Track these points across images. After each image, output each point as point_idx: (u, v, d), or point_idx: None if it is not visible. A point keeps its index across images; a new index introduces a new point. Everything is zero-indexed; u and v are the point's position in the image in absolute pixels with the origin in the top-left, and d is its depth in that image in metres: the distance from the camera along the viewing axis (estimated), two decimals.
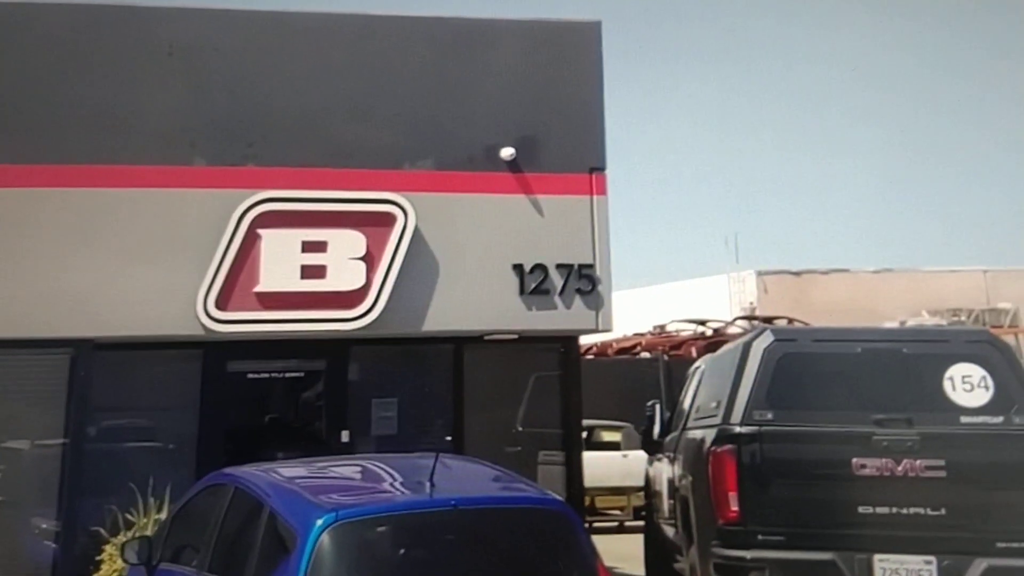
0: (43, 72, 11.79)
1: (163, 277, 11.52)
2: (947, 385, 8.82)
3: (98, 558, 10.82)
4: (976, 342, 9.18)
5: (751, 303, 32.76)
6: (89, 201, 11.61)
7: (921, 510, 8.47)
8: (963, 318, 29.63)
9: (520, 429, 13.36)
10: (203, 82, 12.23)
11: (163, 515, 10.40)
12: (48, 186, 11.51)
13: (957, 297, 32.21)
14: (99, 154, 11.68)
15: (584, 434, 14.69)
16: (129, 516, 10.97)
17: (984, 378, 8.81)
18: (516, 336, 12.79)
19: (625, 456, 17.32)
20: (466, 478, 6.76)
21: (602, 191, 13.02)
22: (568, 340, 13.30)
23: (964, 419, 8.70)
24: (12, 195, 11.43)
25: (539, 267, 12.59)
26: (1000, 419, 8.67)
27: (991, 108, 69.50)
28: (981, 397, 8.77)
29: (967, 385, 8.81)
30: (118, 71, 12.00)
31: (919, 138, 73.09)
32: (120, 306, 11.39)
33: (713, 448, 8.93)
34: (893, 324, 11.34)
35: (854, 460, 8.58)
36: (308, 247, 11.86)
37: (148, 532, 9.99)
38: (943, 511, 8.46)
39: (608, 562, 6.41)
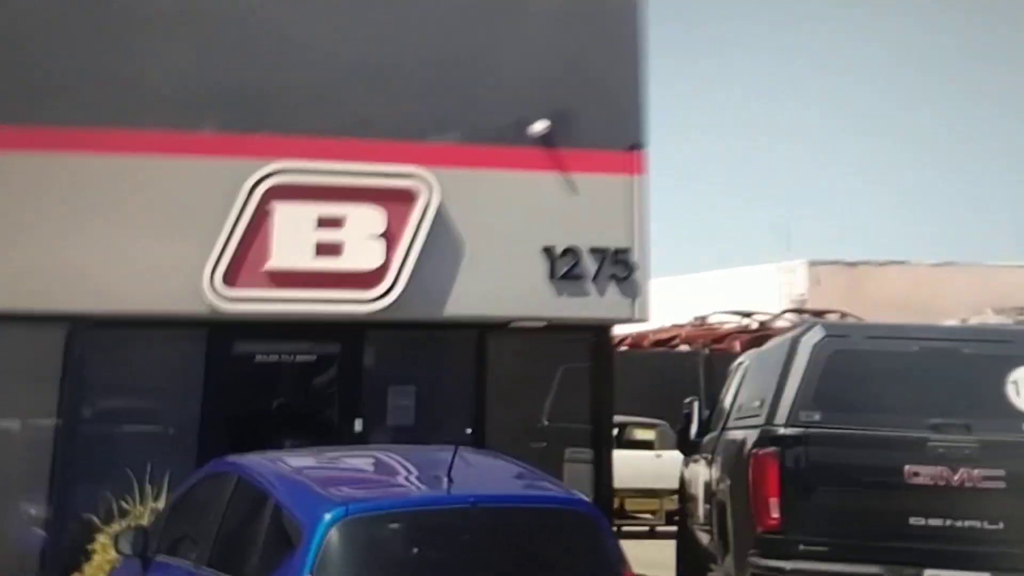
0: (41, 28, 11.78)
1: (167, 250, 11.52)
2: (1010, 389, 8.81)
3: (90, 547, 10.92)
4: None
5: (801, 295, 32.67)
6: (88, 167, 11.61)
7: (977, 523, 8.47)
8: None
9: (546, 424, 13.40)
10: (214, 42, 12.20)
11: (160, 504, 10.49)
12: (45, 150, 11.51)
13: None
14: (100, 117, 11.64)
15: (615, 431, 14.72)
16: (124, 504, 11.06)
17: None
18: (544, 324, 12.78)
19: (659, 456, 17.45)
20: (486, 474, 6.81)
21: (642, 170, 12.98)
22: (600, 330, 13.29)
23: None
24: (5, 159, 11.45)
25: (571, 250, 12.56)
26: None
27: None
28: None
29: None
30: (123, 28, 11.97)
31: (987, 122, 72.51)
32: (120, 280, 11.40)
33: (755, 450, 8.94)
34: (954, 322, 11.33)
35: (907, 467, 8.58)
36: (323, 223, 11.85)
37: (144, 521, 10.09)
38: (1001, 525, 8.46)
39: (637, 569, 6.44)
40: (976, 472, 8.55)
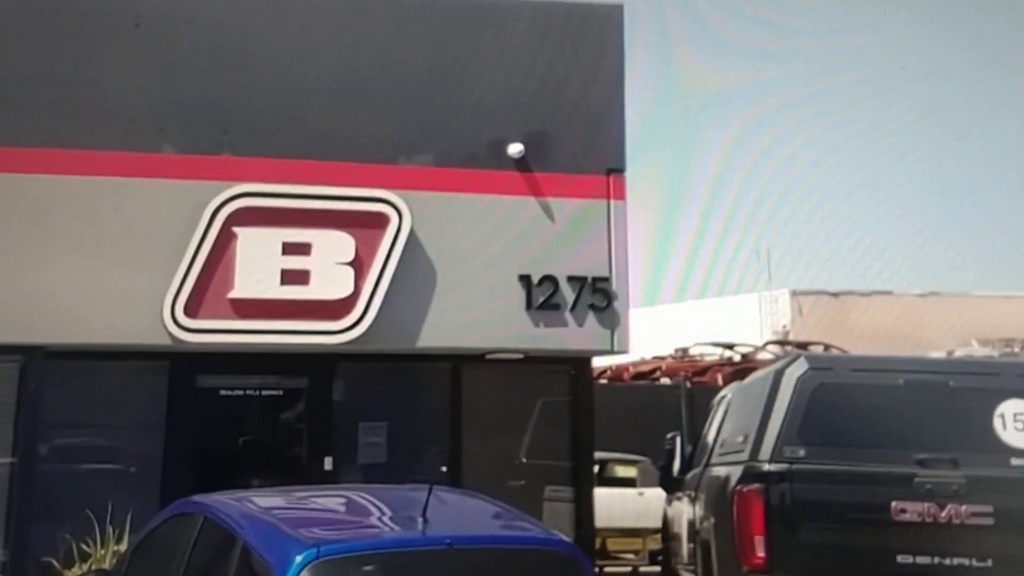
0: None
1: (125, 278, 11.47)
2: (997, 423, 8.90)
3: None
4: None
5: (784, 326, 32.77)
6: (43, 189, 11.55)
7: (966, 560, 8.54)
8: (1016, 349, 29.62)
9: (524, 461, 13.37)
10: (174, 59, 12.19)
11: (123, 546, 10.42)
12: None
13: (1011, 325, 32.16)
14: (55, 137, 11.62)
15: (596, 468, 14.71)
16: (85, 546, 10.97)
17: None
18: (521, 356, 12.82)
19: (641, 494, 17.38)
20: (463, 514, 6.79)
21: (620, 195, 13.05)
22: (580, 362, 13.31)
23: (1015, 461, 8.79)
24: None
25: (548, 279, 12.59)
26: None
27: None
28: None
29: (1019, 424, 8.89)
30: (78, 44, 11.95)
31: (974, 150, 73.00)
32: (76, 310, 11.35)
33: (739, 487, 8.99)
34: (939, 354, 11.43)
35: (893, 504, 8.65)
36: (289, 249, 11.84)
37: (106, 565, 10.02)
38: (990, 562, 8.54)
39: None
40: (964, 508, 8.63)
